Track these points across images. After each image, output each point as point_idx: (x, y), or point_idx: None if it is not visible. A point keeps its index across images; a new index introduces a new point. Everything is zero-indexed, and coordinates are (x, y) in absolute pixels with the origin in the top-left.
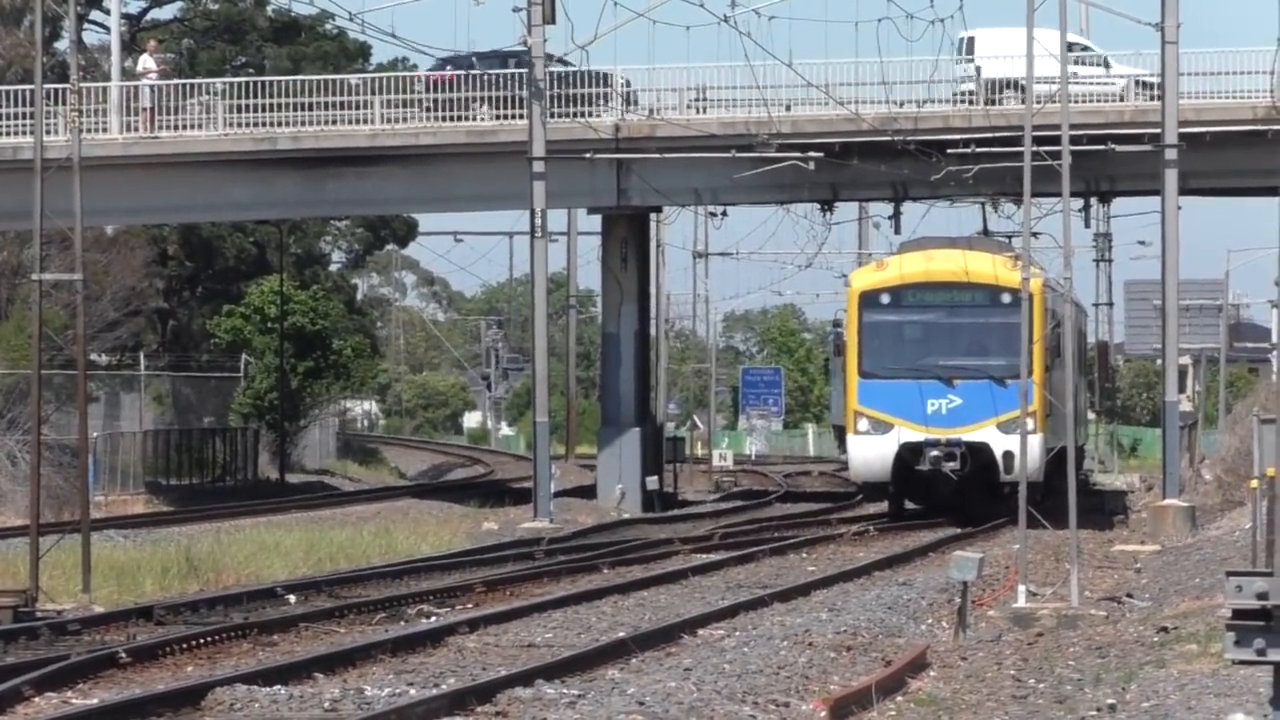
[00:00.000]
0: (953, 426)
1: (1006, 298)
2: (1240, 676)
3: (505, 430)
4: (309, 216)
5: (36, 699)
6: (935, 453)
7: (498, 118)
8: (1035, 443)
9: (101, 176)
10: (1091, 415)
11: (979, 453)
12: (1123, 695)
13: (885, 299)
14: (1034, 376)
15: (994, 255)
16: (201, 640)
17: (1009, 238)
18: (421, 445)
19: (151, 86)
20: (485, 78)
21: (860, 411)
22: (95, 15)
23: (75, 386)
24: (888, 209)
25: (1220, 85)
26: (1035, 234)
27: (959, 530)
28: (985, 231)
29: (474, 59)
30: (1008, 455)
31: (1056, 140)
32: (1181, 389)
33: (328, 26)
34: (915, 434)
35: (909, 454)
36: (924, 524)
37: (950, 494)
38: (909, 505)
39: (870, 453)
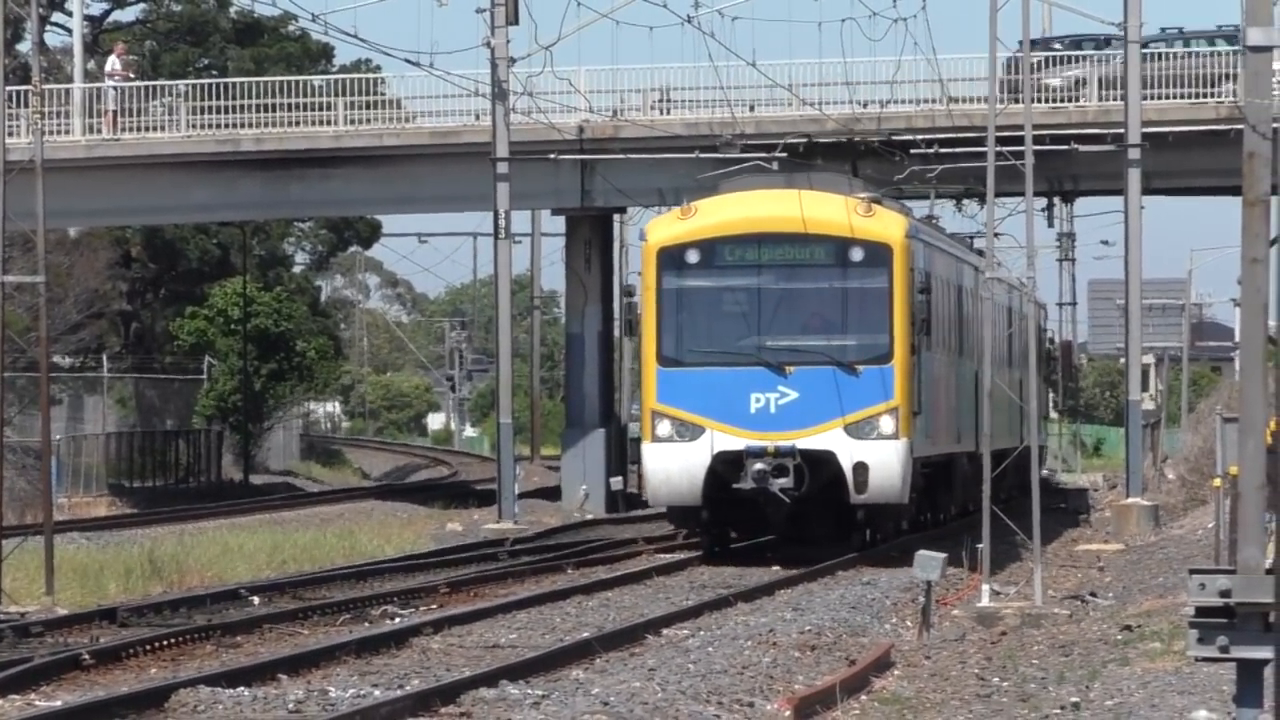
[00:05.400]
0: (785, 430)
1: (858, 253)
2: (1203, 674)
3: (469, 431)
4: (272, 218)
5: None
6: (761, 465)
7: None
8: (896, 451)
9: (64, 178)
10: (1054, 415)
11: (821, 465)
12: (1086, 693)
13: (692, 257)
14: (895, 360)
15: (842, 196)
16: (165, 642)
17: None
18: (385, 446)
19: (115, 88)
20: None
21: (659, 411)
22: (57, 17)
23: (38, 389)
24: None
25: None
26: (998, 234)
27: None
28: (854, 173)
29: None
30: (859, 468)
31: (1020, 140)
32: (1144, 388)
33: (291, 28)
34: (734, 440)
35: (726, 468)
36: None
37: (783, 521)
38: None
39: (673, 466)
